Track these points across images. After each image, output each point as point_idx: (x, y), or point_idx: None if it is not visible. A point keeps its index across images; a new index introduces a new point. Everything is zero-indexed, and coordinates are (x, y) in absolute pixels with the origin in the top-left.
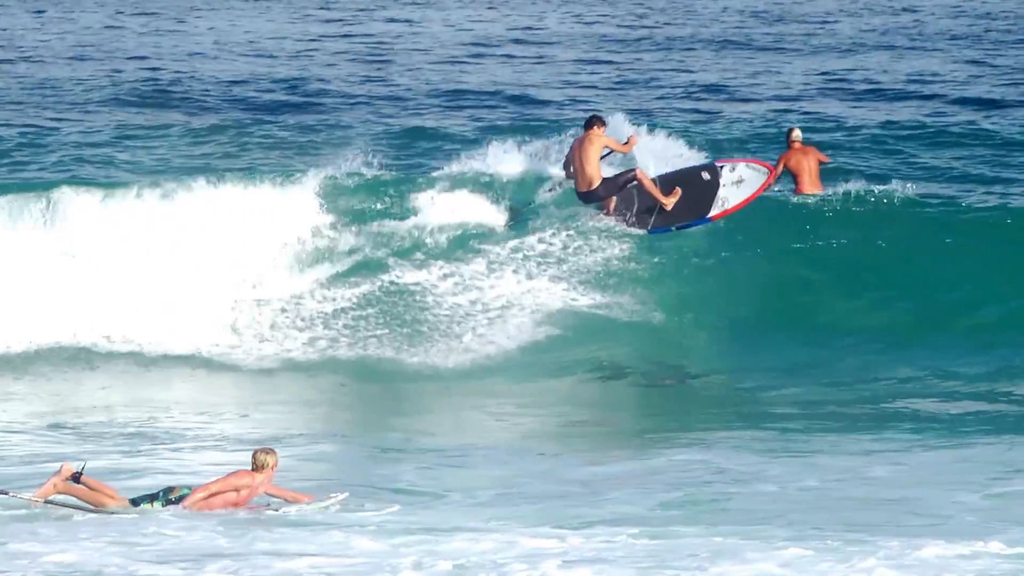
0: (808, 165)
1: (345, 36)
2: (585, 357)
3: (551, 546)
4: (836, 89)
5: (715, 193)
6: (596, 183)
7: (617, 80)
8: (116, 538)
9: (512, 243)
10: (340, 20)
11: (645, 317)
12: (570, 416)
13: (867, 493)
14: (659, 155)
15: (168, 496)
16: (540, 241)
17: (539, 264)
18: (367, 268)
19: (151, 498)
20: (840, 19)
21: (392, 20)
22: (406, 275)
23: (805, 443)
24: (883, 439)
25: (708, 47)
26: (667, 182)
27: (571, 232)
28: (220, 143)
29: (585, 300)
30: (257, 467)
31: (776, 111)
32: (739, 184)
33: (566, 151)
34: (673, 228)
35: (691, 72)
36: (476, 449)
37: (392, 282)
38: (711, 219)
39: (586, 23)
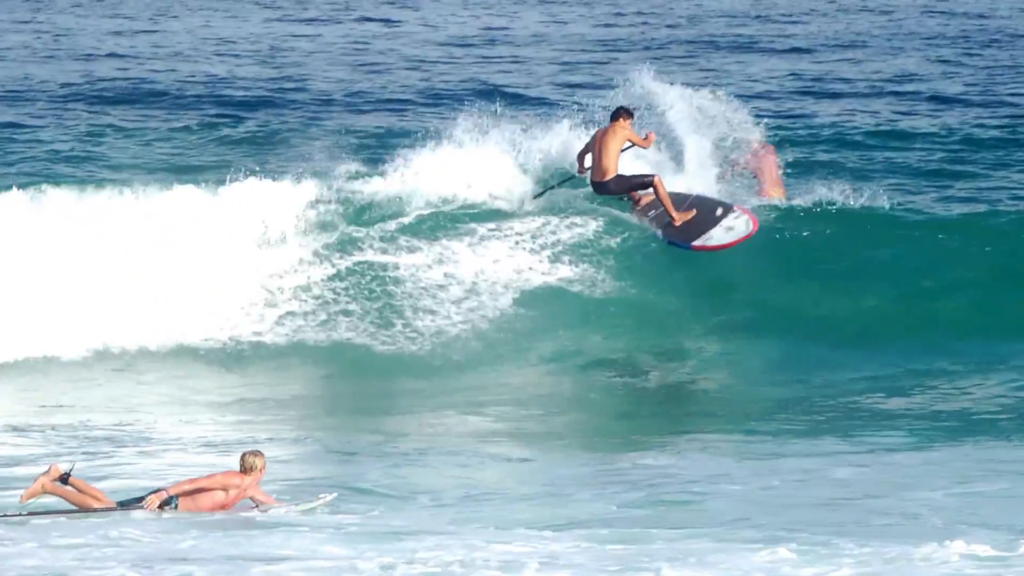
0: (768, 167)
1: (321, 35)
2: (557, 349)
3: (518, 549)
4: (806, 89)
5: (711, 228)
6: (609, 176)
7: (592, 80)
8: (80, 541)
9: (491, 226)
10: (316, 20)
11: (620, 313)
12: (535, 412)
13: (833, 494)
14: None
15: None
16: (522, 224)
17: (517, 248)
18: (342, 251)
19: (138, 502)
20: (812, 19)
21: (368, 19)
22: (380, 258)
23: (773, 444)
24: (849, 440)
25: (682, 46)
26: (686, 200)
27: (551, 221)
28: (195, 142)
29: (559, 285)
30: (245, 469)
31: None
32: (729, 230)
33: (586, 139)
34: (672, 242)
35: (670, 73)
36: (441, 449)
37: (366, 267)
38: (691, 248)
39: (563, 22)
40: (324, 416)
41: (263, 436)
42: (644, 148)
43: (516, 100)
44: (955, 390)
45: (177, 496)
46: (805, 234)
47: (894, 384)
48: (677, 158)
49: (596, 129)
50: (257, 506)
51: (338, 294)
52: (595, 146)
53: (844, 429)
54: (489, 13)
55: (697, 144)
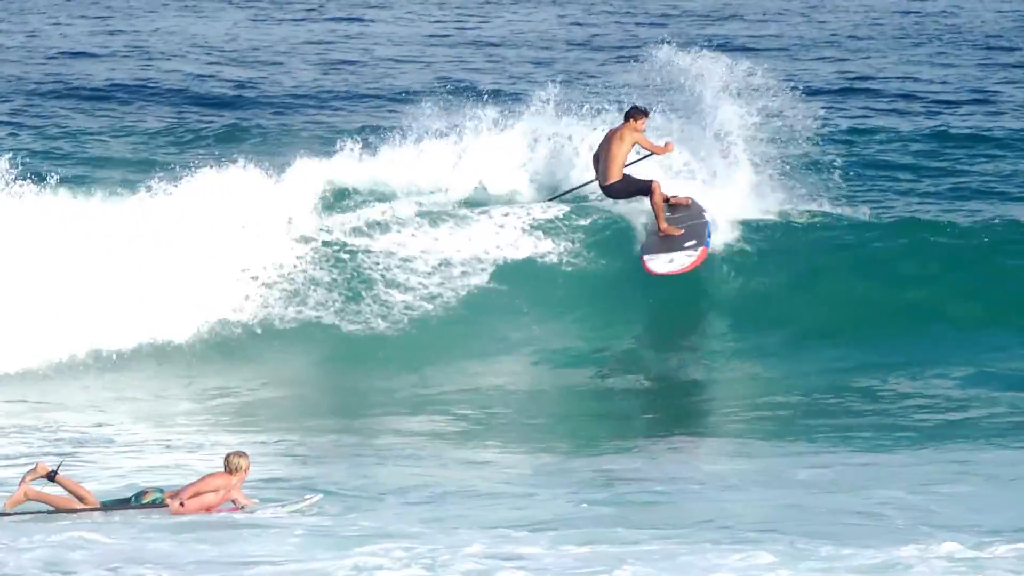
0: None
1: (295, 34)
2: (526, 346)
3: (486, 551)
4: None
5: (672, 251)
6: (613, 180)
7: (563, 79)
8: (47, 543)
9: (478, 214)
10: (291, 19)
11: (592, 311)
12: (503, 411)
13: (797, 495)
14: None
15: (141, 501)
16: (504, 216)
17: (483, 244)
18: (317, 239)
19: (123, 503)
20: (782, 18)
21: (342, 19)
22: (352, 244)
23: (738, 444)
24: (813, 441)
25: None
26: (680, 221)
27: (528, 216)
28: (164, 140)
29: (529, 279)
30: (231, 470)
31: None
32: (671, 262)
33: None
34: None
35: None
36: (407, 448)
37: (337, 257)
38: (643, 263)
39: (534, 22)
40: (292, 417)
41: (230, 439)
42: (658, 155)
43: (487, 101)
44: (917, 392)
45: (163, 496)
46: (778, 235)
47: (858, 386)
48: (718, 138)
49: (609, 129)
50: (241, 508)
51: (309, 285)
52: (604, 146)
53: (808, 430)
54: (465, 13)
55: (735, 115)
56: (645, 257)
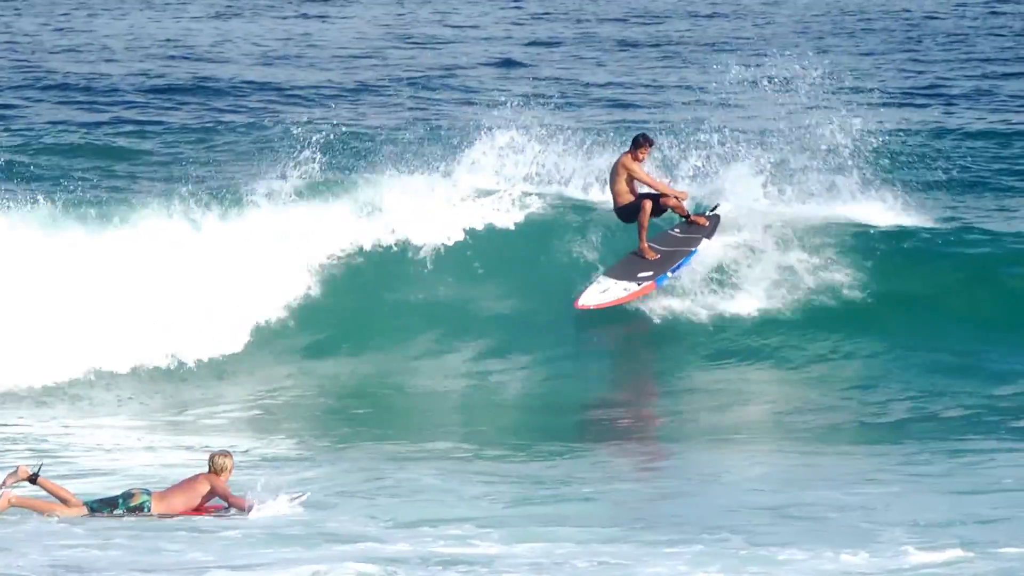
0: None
1: (257, 34)
2: (479, 348)
3: (409, 552)
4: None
5: (616, 278)
6: (617, 205)
7: (525, 79)
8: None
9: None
10: (246, 17)
11: (553, 314)
12: (452, 412)
13: (733, 497)
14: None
15: (128, 503)
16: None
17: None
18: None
19: (110, 504)
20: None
21: (305, 16)
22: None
23: (675, 446)
24: (749, 444)
25: (618, 47)
26: (664, 244)
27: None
28: (140, 146)
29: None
30: (216, 470)
31: (686, 116)
32: (604, 292)
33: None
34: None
35: (607, 74)
36: (363, 449)
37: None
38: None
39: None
40: (253, 423)
41: (193, 442)
42: (653, 190)
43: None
44: (854, 394)
45: (149, 499)
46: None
47: (791, 389)
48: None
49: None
50: (228, 507)
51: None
52: (611, 173)
53: (746, 432)
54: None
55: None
56: (586, 288)
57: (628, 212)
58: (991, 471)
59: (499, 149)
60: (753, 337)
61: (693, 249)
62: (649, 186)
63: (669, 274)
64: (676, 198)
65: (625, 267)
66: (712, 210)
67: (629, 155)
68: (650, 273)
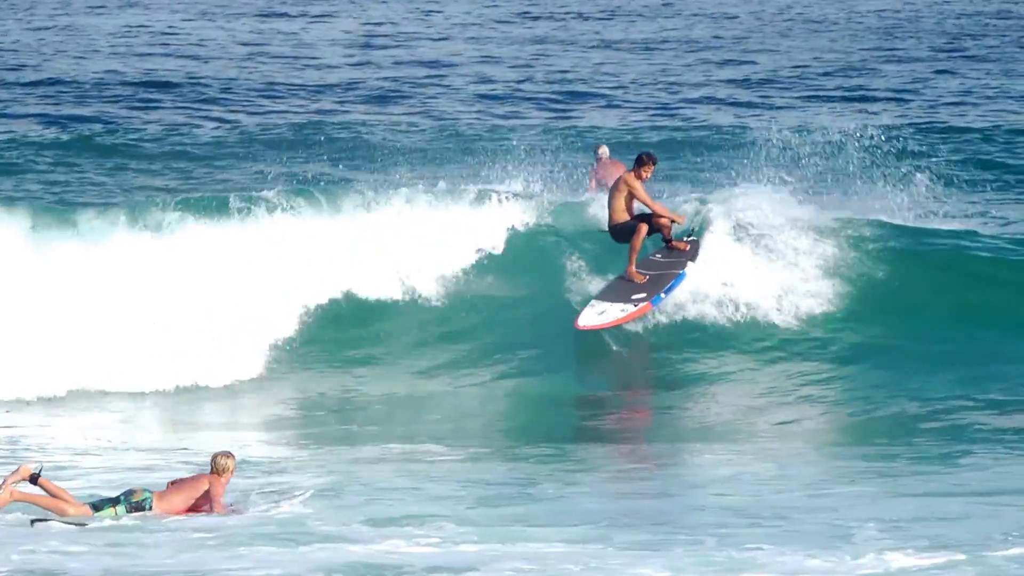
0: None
1: (243, 34)
2: (458, 350)
3: (389, 554)
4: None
5: (611, 301)
6: (612, 223)
7: (503, 78)
8: None
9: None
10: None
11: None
12: (424, 415)
13: (697, 498)
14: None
15: (131, 500)
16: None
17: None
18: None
19: (112, 503)
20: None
21: (289, 15)
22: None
23: (654, 448)
24: (713, 448)
25: (589, 47)
26: (647, 269)
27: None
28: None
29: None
30: (218, 471)
31: (655, 114)
32: (601, 314)
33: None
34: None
35: (570, 71)
36: (356, 451)
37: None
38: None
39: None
40: (239, 427)
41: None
42: (650, 210)
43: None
44: (828, 395)
45: (151, 497)
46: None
47: (752, 392)
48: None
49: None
50: (232, 505)
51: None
52: (611, 189)
53: (722, 433)
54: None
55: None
56: (583, 310)
57: (622, 232)
58: (962, 473)
59: (503, 156)
60: (724, 340)
61: (681, 272)
62: (648, 207)
63: (663, 295)
64: (674, 221)
65: (616, 290)
66: (690, 236)
67: (632, 173)
68: (644, 295)
